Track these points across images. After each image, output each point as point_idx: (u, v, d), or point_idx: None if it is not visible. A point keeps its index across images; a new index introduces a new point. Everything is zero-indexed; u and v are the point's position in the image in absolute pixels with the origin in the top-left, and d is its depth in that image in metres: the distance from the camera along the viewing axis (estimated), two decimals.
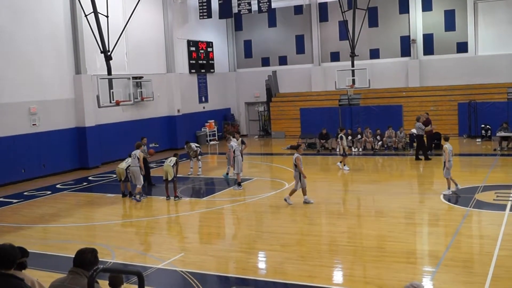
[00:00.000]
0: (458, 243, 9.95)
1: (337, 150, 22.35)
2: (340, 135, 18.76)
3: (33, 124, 19.41)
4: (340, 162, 18.43)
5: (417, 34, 27.28)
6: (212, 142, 28.15)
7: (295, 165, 13.28)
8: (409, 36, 27.45)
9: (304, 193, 13.44)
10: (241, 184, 16.02)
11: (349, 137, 22.21)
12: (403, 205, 13.10)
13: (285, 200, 13.50)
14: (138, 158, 14.98)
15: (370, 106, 26.41)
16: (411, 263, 9.08)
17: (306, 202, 13.39)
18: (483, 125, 23.66)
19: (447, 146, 13.58)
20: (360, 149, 22.35)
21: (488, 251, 9.30)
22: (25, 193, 17.03)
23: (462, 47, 26.52)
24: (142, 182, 15.20)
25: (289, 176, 17.69)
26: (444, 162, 13.53)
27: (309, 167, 20.75)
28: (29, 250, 5.28)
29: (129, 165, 15.27)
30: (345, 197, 14.85)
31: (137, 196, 15.00)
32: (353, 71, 24.74)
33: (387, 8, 27.88)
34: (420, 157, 19.18)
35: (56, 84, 20.38)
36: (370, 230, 11.09)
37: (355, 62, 25.07)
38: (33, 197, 16.49)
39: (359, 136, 22.62)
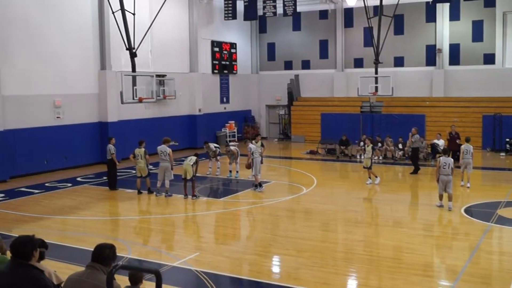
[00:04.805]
0: (478, 259, 9.76)
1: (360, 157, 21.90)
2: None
3: (57, 117, 19.72)
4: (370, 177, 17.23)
5: (443, 43, 26.90)
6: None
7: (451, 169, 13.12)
8: (435, 45, 27.08)
9: (450, 199, 13.19)
10: (262, 185, 16.03)
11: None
12: (423, 216, 12.92)
13: (447, 207, 13.25)
14: (168, 154, 15.29)
15: (392, 114, 26.16)
16: (428, 276, 8.93)
17: (449, 209, 13.17)
18: (507, 139, 23.21)
19: (462, 146, 15.89)
20: (380, 157, 21.94)
21: (508, 268, 9.11)
22: (47, 184, 17.30)
23: (489, 59, 26.07)
24: (172, 177, 15.34)
25: (307, 180, 17.65)
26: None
27: (327, 174, 20.71)
28: (47, 241, 5.36)
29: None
30: (363, 205, 14.70)
31: (168, 192, 15.26)
32: (376, 78, 24.56)
33: (413, 16, 27.57)
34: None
35: (81, 79, 20.66)
36: (388, 240, 10.96)
37: (379, 69, 24.89)
38: (54, 188, 16.74)
39: (379, 145, 22.29)
